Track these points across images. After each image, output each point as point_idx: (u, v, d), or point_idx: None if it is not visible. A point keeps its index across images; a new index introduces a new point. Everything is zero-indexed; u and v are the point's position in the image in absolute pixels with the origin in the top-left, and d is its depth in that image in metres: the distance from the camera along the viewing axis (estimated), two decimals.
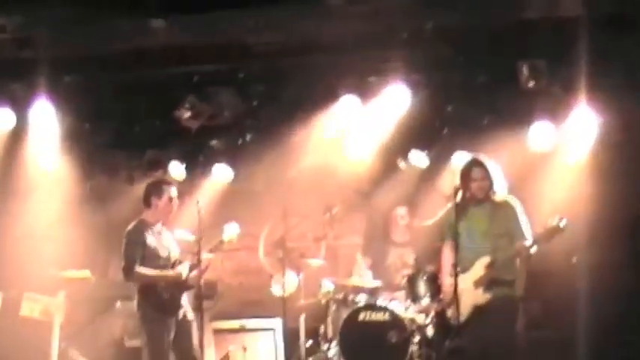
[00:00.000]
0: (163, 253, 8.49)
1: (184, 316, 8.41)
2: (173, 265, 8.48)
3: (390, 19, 8.81)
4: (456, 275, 7.77)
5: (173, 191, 8.65)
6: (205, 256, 8.48)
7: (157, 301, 8.33)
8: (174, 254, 8.57)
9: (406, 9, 8.77)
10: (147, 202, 8.64)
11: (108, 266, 10.71)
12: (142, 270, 8.33)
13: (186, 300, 8.44)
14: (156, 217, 8.58)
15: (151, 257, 8.40)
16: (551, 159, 9.75)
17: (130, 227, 8.55)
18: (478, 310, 7.99)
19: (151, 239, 8.45)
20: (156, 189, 8.67)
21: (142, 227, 8.50)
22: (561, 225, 7.79)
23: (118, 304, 10.08)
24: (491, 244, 8.07)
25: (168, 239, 8.61)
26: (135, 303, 8.48)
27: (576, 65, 8.79)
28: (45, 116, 9.77)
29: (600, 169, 9.48)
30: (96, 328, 10.07)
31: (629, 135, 9.39)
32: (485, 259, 8.02)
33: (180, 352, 8.41)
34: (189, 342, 8.37)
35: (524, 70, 9.02)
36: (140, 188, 10.54)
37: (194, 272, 8.40)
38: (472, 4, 8.71)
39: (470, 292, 7.95)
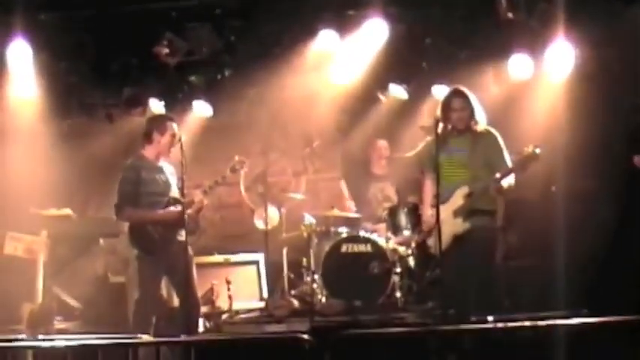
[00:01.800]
0: (160, 190, 8.41)
1: (179, 251, 8.27)
2: (169, 203, 8.41)
3: None
4: (437, 206, 7.82)
5: (175, 127, 8.53)
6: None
7: (148, 239, 8.31)
8: (173, 191, 8.47)
9: None
10: (148, 137, 8.47)
11: (88, 204, 10.75)
12: (133, 210, 8.30)
13: (182, 235, 8.29)
14: (157, 153, 8.45)
15: (147, 194, 8.34)
16: (529, 90, 9.85)
17: (127, 163, 8.46)
18: (457, 240, 8.05)
19: (148, 175, 8.36)
20: (158, 124, 8.52)
21: (140, 164, 8.40)
22: (536, 152, 7.87)
23: (101, 241, 10.13)
24: (470, 174, 8.12)
25: (168, 175, 8.50)
26: (124, 239, 8.47)
27: None
28: (22, 55, 9.66)
29: (577, 99, 9.57)
30: (79, 266, 10.12)
31: (604, 66, 9.47)
32: (464, 189, 8.07)
33: (176, 287, 8.49)
34: (185, 277, 8.32)
35: (503, 2, 9.06)
36: (119, 126, 10.67)
37: (189, 210, 8.38)
38: None
39: (449, 221, 8.00)
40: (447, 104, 8.23)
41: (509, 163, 8.04)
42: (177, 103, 10.60)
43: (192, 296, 8.44)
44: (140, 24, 9.72)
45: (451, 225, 8.02)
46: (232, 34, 9.95)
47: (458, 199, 8.08)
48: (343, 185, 10.42)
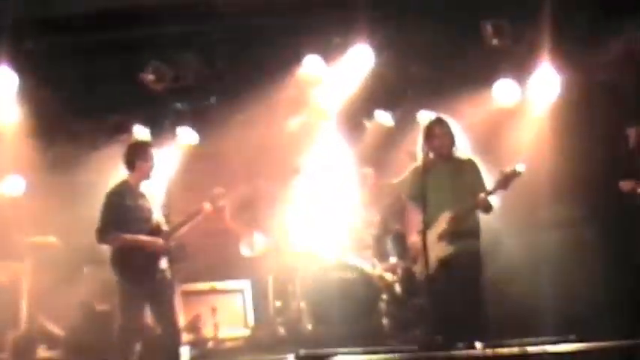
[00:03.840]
0: (145, 216, 8.38)
1: (162, 279, 8.31)
2: (153, 229, 8.37)
3: None
4: (424, 232, 7.83)
5: (154, 152, 8.55)
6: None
7: (131, 265, 8.25)
8: (156, 216, 8.45)
9: None
10: (130, 164, 8.47)
11: (73, 231, 10.69)
12: (115, 234, 8.26)
13: (165, 263, 8.34)
14: (138, 179, 8.44)
15: (132, 220, 8.30)
16: (515, 116, 9.89)
17: (111, 189, 8.44)
18: (443, 264, 8.06)
19: (132, 202, 8.35)
20: (140, 152, 8.52)
21: (125, 190, 8.39)
22: (517, 170, 7.90)
23: (86, 269, 10.08)
24: (454, 200, 8.15)
25: (152, 200, 8.49)
26: (110, 266, 8.43)
27: (539, 24, 8.90)
28: (6, 82, 9.63)
29: (561, 125, 9.62)
30: (64, 294, 10.02)
31: (589, 92, 9.51)
32: (448, 213, 8.11)
33: (159, 315, 8.39)
34: (167, 305, 8.34)
35: (488, 29, 9.11)
36: (104, 153, 10.63)
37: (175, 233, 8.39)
38: None
39: (434, 246, 8.00)
40: (429, 131, 8.29)
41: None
42: (163, 129, 10.60)
43: (173, 324, 8.40)
44: (126, 51, 9.73)
45: (436, 249, 8.03)
46: (218, 60, 9.97)
47: (442, 223, 8.12)
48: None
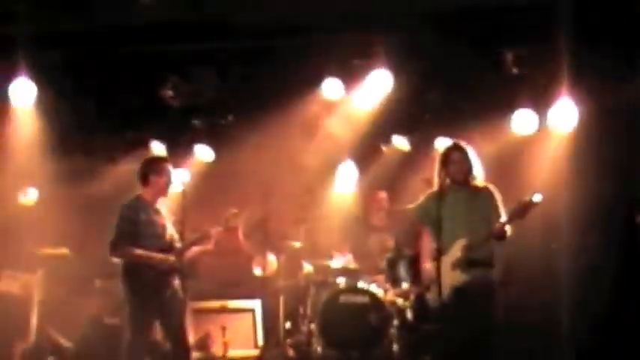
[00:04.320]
0: (158, 232, 8.32)
1: (173, 295, 8.26)
2: (166, 246, 8.33)
3: (375, 1, 8.84)
4: (438, 259, 7.79)
5: (170, 169, 8.47)
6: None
7: (141, 280, 8.18)
8: (170, 233, 8.41)
9: None
10: (145, 179, 8.40)
11: (86, 244, 10.69)
12: (128, 248, 8.20)
13: (176, 280, 8.29)
14: (154, 195, 8.39)
15: (145, 235, 8.23)
16: (533, 146, 9.87)
17: (125, 202, 8.36)
18: (456, 292, 7.98)
19: (146, 217, 8.27)
20: (155, 167, 8.46)
21: (139, 205, 8.32)
22: (535, 200, 7.82)
23: (97, 282, 10.08)
24: (469, 228, 8.09)
25: (166, 216, 8.44)
26: (120, 280, 8.42)
27: (559, 53, 8.88)
28: (25, 93, 9.66)
29: (579, 156, 9.57)
30: (74, 306, 10.04)
31: (609, 123, 9.48)
32: (462, 241, 8.04)
33: (168, 331, 8.34)
34: (177, 321, 8.27)
35: (508, 57, 9.11)
36: (120, 168, 10.67)
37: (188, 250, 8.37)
38: None
39: (447, 274, 7.92)
40: (445, 158, 8.22)
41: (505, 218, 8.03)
42: (180, 146, 10.63)
43: (183, 342, 8.33)
44: (145, 66, 9.75)
45: (450, 277, 7.96)
46: (237, 79, 9.99)
47: (456, 251, 8.04)
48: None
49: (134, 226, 8.26)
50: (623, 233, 9.08)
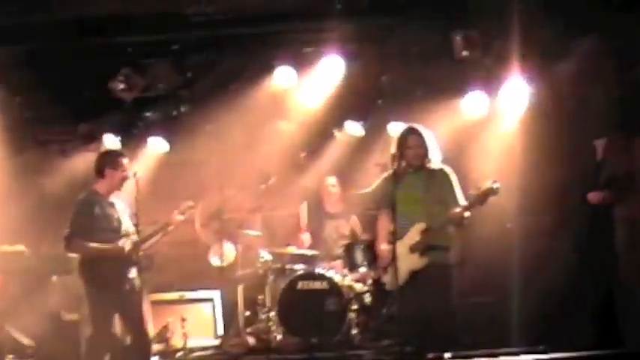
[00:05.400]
0: (114, 226, 8.31)
1: (131, 288, 8.26)
2: (121, 239, 8.31)
3: None
4: (394, 243, 7.84)
5: (126, 162, 8.46)
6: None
7: (99, 274, 8.18)
8: (126, 226, 8.38)
9: None
10: (100, 172, 8.39)
11: (42, 240, 10.61)
12: (82, 243, 8.20)
13: (134, 273, 8.30)
14: (109, 188, 8.37)
15: (100, 229, 8.22)
16: (485, 128, 9.96)
17: (80, 197, 8.36)
18: (414, 276, 8.04)
19: (101, 211, 8.27)
20: (110, 159, 8.44)
21: (93, 198, 8.31)
22: (494, 187, 7.91)
23: (54, 278, 10.00)
24: (426, 211, 8.13)
25: (121, 211, 8.42)
26: (77, 275, 8.38)
27: (508, 36, 8.95)
28: None
29: (531, 137, 9.67)
30: (32, 303, 9.93)
31: (559, 104, 9.58)
32: (421, 225, 8.08)
33: (128, 324, 8.33)
34: (137, 314, 8.27)
35: (458, 40, 9.16)
36: (74, 161, 10.60)
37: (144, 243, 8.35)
38: None
39: (406, 257, 7.99)
40: (402, 141, 8.26)
41: (463, 201, 8.08)
42: (134, 138, 10.59)
43: (143, 334, 8.34)
44: (96, 59, 9.67)
45: (408, 261, 8.02)
46: (189, 70, 9.96)
47: (414, 235, 8.09)
48: (303, 212, 10.37)
49: (89, 220, 8.24)
50: (576, 213, 9.17)
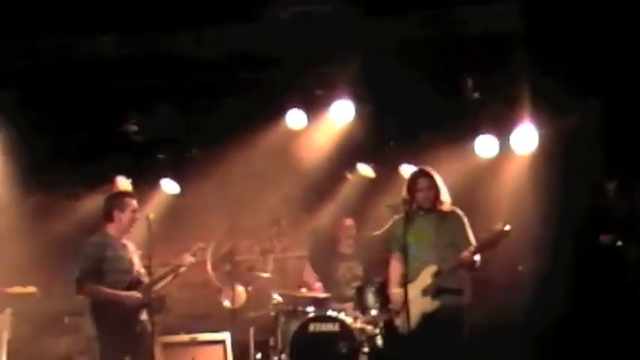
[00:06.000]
0: (125, 268, 8.36)
1: (142, 330, 8.29)
2: (132, 282, 8.36)
3: (335, 33, 8.93)
4: (405, 286, 7.84)
5: (135, 204, 8.53)
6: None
7: (110, 317, 8.21)
8: (137, 268, 8.43)
9: (352, 24, 8.90)
10: (109, 215, 8.47)
11: (54, 282, 10.62)
12: (93, 286, 8.24)
13: (145, 315, 8.32)
14: (119, 230, 8.44)
15: (111, 271, 8.28)
16: (494, 170, 9.98)
17: (92, 239, 8.42)
18: (427, 319, 8.06)
19: (112, 253, 8.32)
20: (118, 202, 8.51)
21: (104, 241, 8.38)
22: (506, 229, 7.93)
23: (66, 319, 10.01)
24: (437, 254, 8.16)
25: (132, 253, 8.48)
26: (87, 318, 8.40)
27: (517, 79, 9.00)
28: None
29: (541, 180, 9.69)
30: (44, 345, 9.96)
31: (568, 146, 9.61)
32: (432, 268, 8.10)
33: None
34: (148, 357, 8.28)
35: (468, 84, 9.22)
36: (85, 204, 10.63)
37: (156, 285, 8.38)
38: (415, 20, 8.86)
39: (418, 300, 8.02)
40: (412, 184, 8.31)
41: (474, 243, 8.10)
42: (145, 180, 10.61)
43: None
44: (106, 102, 9.73)
45: (420, 304, 8.04)
46: (200, 112, 10.02)
47: (426, 278, 8.11)
48: (308, 269, 10.40)
49: (100, 263, 8.28)
50: (587, 254, 9.18)
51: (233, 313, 10.10)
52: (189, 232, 10.09)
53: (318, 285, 10.13)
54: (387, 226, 8.62)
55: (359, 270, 10.23)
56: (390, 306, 8.64)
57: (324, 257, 10.45)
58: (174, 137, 10.28)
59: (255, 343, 10.15)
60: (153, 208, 10.24)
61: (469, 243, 8.11)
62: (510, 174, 9.96)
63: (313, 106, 9.83)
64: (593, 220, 9.24)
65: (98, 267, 8.27)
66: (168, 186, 10.73)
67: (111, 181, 10.51)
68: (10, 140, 9.90)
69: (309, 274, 10.32)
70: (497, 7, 8.64)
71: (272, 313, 9.87)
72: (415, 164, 8.99)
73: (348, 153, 10.43)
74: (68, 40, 9.03)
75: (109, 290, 8.23)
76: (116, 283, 8.29)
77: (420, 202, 8.27)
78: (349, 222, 10.44)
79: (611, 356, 8.85)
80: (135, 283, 8.35)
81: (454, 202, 8.38)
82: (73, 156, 10.40)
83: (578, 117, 9.28)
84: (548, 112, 9.42)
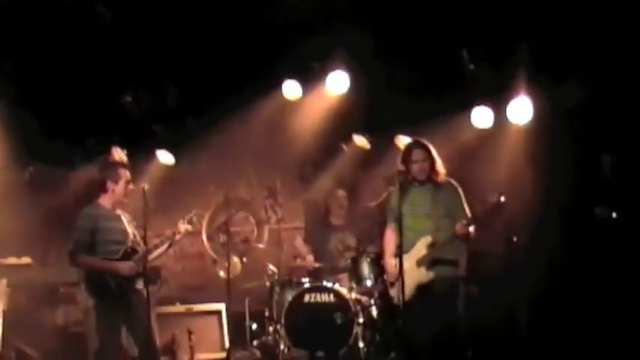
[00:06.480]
0: (118, 238, 8.35)
1: (138, 300, 8.26)
2: (126, 252, 8.35)
3: (332, 4, 8.90)
4: (400, 256, 7.84)
5: (128, 175, 8.51)
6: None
7: (105, 287, 8.22)
8: (132, 238, 8.43)
9: None
10: (102, 187, 8.45)
11: (49, 253, 10.65)
12: (86, 258, 8.24)
13: (141, 285, 8.27)
14: (113, 201, 8.43)
15: (105, 242, 8.28)
16: (490, 142, 9.96)
17: (84, 211, 8.40)
18: (421, 290, 8.06)
19: (105, 224, 8.31)
20: (111, 173, 8.49)
21: (97, 212, 8.36)
22: (501, 200, 7.90)
23: (61, 290, 10.04)
24: (432, 225, 8.15)
25: (125, 223, 8.46)
26: (82, 289, 8.41)
27: (514, 51, 8.98)
28: None
29: (537, 151, 9.68)
30: (40, 315, 10.00)
31: (566, 118, 9.59)
32: (427, 239, 8.10)
33: (135, 336, 8.33)
34: (144, 326, 8.24)
35: (465, 55, 9.19)
36: (80, 174, 10.62)
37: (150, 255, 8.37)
38: None
39: (412, 271, 8.01)
40: (407, 155, 8.28)
41: (469, 214, 8.10)
42: (140, 151, 10.58)
43: (151, 346, 8.34)
44: (104, 73, 9.71)
45: (414, 275, 8.04)
46: (195, 83, 9.98)
47: (421, 248, 8.11)
48: (298, 239, 10.41)
49: (92, 234, 8.28)
50: (581, 227, 9.19)
51: (228, 283, 10.11)
52: (184, 203, 10.08)
53: (310, 257, 10.16)
54: (382, 196, 8.61)
55: (352, 241, 10.23)
56: (385, 277, 8.67)
57: (317, 229, 10.47)
58: (170, 108, 10.22)
59: (251, 313, 10.21)
60: (148, 179, 10.24)
61: (464, 214, 8.12)
62: (506, 145, 9.94)
63: (308, 77, 9.80)
64: (588, 191, 9.21)
65: (90, 238, 8.26)
66: (164, 157, 10.72)
67: (107, 151, 10.49)
68: (10, 111, 9.88)
69: (300, 245, 10.34)
70: None
71: (267, 284, 9.93)
72: (411, 135, 8.94)
73: (345, 124, 10.41)
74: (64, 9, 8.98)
75: (101, 262, 8.23)
76: (110, 254, 8.29)
77: (415, 173, 8.25)
78: (340, 193, 10.45)
79: (606, 328, 8.86)
80: (129, 253, 8.34)
81: (449, 174, 8.37)
82: (71, 127, 10.37)
83: (574, 89, 9.25)
84: (545, 86, 9.40)
